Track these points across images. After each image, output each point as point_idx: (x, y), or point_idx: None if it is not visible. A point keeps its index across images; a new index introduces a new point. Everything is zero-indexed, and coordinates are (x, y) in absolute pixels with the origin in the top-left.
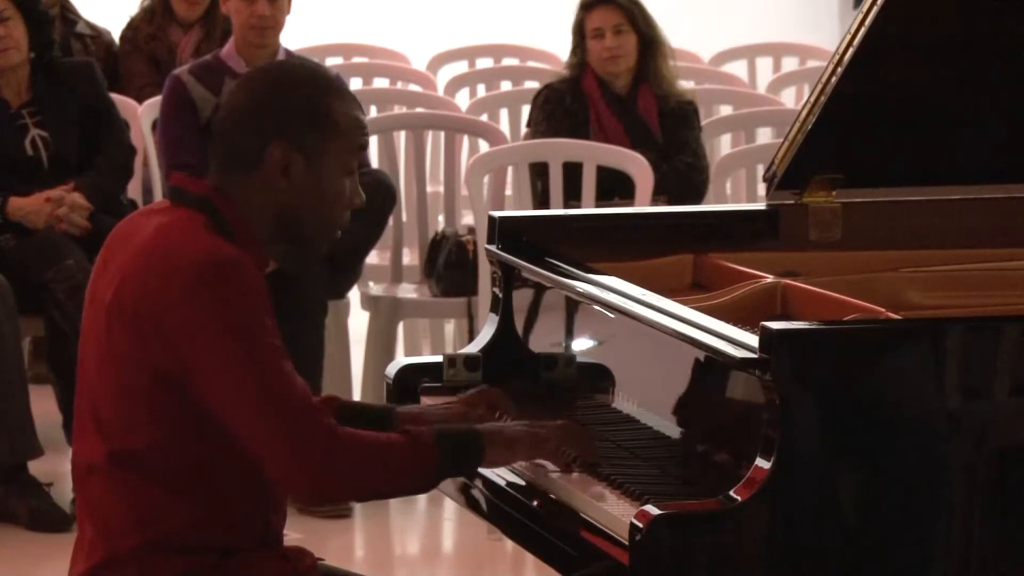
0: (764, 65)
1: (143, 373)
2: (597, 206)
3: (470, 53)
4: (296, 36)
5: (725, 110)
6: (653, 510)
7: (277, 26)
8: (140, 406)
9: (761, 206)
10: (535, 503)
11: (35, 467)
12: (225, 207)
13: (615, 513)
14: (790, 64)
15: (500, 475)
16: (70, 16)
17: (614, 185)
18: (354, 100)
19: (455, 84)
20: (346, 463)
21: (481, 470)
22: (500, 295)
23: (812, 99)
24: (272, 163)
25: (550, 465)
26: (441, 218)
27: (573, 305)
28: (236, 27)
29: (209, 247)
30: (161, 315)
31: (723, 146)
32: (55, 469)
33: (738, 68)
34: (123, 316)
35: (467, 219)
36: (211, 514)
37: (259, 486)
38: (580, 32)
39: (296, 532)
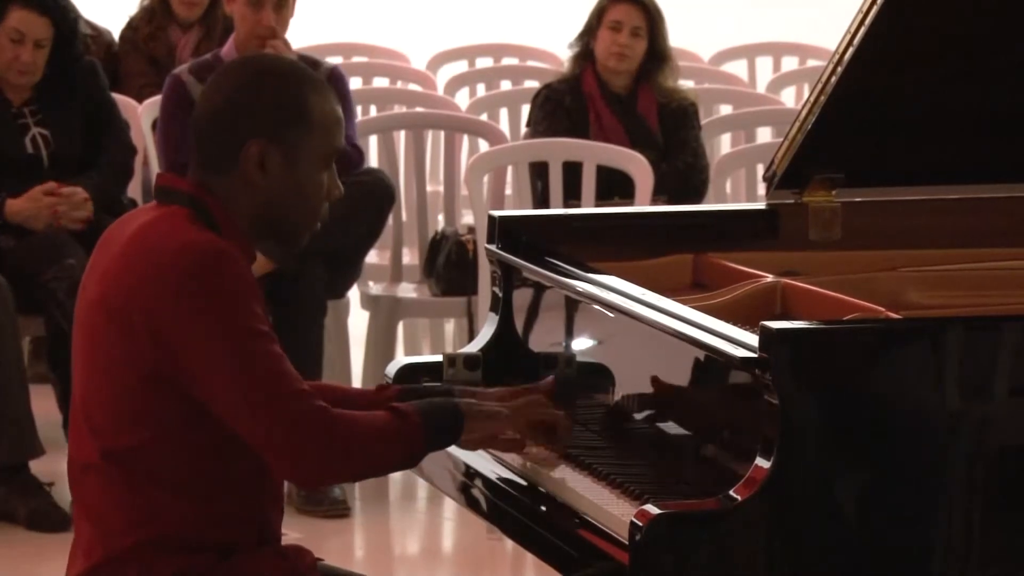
0: (764, 65)
1: (134, 370)
2: (597, 206)
3: (470, 53)
4: (296, 36)
5: (725, 110)
6: (653, 510)
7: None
8: (132, 404)
9: (761, 206)
10: (535, 503)
11: (35, 467)
12: (210, 201)
13: (615, 513)
14: (790, 64)
15: (500, 474)
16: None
17: (614, 185)
18: (330, 93)
19: (455, 84)
20: (344, 443)
21: (482, 469)
22: (500, 295)
23: (812, 99)
24: (249, 159)
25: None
26: (441, 218)
27: (573, 305)
28: (240, 32)
29: (195, 239)
30: (150, 309)
31: (723, 146)
32: (55, 469)
33: (738, 68)
34: (112, 313)
35: (467, 219)
36: (208, 512)
37: (256, 483)
38: (597, 18)
39: (296, 532)
